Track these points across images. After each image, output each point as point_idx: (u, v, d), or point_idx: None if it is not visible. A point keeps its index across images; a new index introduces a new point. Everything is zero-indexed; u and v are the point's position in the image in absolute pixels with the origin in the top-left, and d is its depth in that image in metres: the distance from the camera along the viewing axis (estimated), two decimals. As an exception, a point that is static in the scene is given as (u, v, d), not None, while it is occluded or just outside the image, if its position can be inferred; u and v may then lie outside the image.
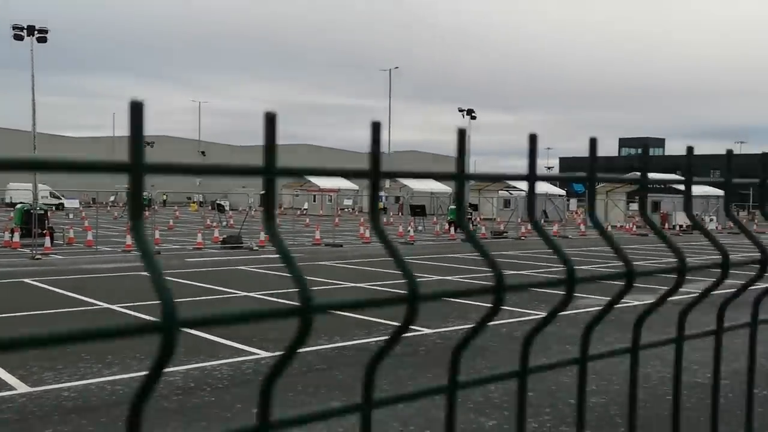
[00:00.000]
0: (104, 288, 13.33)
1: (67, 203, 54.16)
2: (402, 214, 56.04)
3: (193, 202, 64.08)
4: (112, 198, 74.13)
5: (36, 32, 24.60)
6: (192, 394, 6.60)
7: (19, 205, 24.43)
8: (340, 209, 58.86)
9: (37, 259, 18.92)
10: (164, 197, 72.77)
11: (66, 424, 5.77)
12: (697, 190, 41.73)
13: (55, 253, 20.36)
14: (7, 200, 57.58)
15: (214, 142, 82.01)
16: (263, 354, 8.10)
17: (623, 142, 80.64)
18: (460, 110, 40.51)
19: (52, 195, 58.59)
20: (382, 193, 36.80)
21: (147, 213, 50.95)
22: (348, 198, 65.25)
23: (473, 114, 41.36)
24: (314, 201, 61.17)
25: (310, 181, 66.63)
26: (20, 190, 54.69)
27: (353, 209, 64.59)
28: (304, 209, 59.28)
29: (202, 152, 73.91)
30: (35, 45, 24.77)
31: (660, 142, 79.83)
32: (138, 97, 0.66)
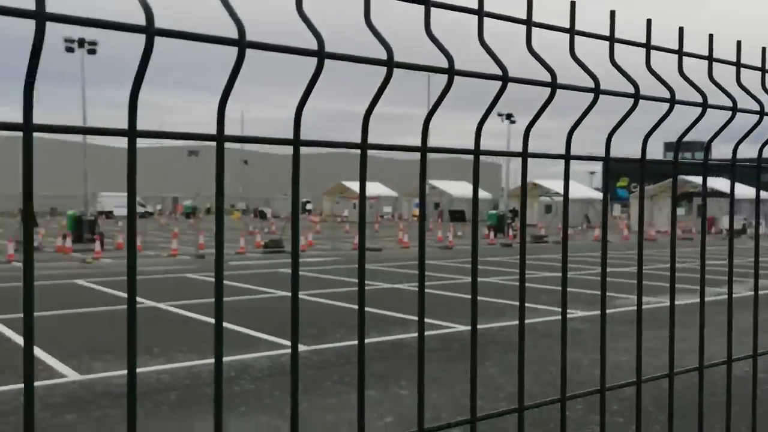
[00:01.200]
0: (151, 288, 13.82)
1: (116, 211, 55.86)
2: (441, 220, 56.09)
3: (236, 210, 65.19)
4: (159, 206, 75.96)
5: (86, 44, 25.61)
6: (233, 383, 6.89)
7: (70, 212, 25.35)
8: (380, 216, 59.17)
9: (89, 262, 19.65)
10: (208, 206, 74.28)
11: (114, 407, 6.10)
12: (747, 193, 40.77)
13: (105, 258, 21.08)
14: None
15: (257, 151, 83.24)
16: (301, 348, 8.36)
17: (668, 147, 79.25)
18: (500, 114, 40.44)
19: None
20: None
21: (192, 221, 52.06)
22: (387, 205, 65.60)
23: (512, 118, 41.24)
24: (354, 208, 61.57)
25: (350, 189, 67.19)
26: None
27: (392, 215, 64.88)
28: (345, 216, 59.74)
29: (245, 161, 75.18)
30: (85, 57, 25.78)
31: (700, 146, 78.30)
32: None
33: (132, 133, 1.02)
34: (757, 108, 1.90)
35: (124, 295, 12.85)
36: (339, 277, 16.10)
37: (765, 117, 1.93)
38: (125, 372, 6.44)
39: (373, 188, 63.68)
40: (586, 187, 55.57)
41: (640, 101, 1.59)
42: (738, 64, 1.82)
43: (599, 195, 51.88)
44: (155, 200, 74.87)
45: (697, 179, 39.20)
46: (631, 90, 1.58)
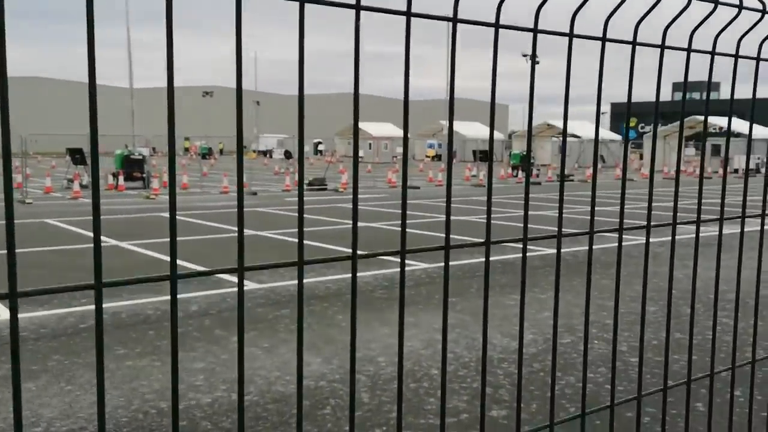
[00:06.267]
0: (220, 219, 15.08)
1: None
2: (455, 161, 57.10)
3: (252, 151, 66.08)
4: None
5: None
6: (388, 288, 8.23)
7: (118, 151, 26.40)
8: (394, 157, 60.12)
9: (152, 198, 20.91)
10: (221, 146, 75.18)
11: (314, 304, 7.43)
12: (760, 133, 41.75)
13: (162, 195, 22.30)
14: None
15: (269, 92, 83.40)
16: (421, 264, 9.69)
17: (676, 87, 79.47)
18: (524, 55, 40.98)
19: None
20: (434, 141, 38.68)
21: (212, 161, 52.90)
22: (400, 146, 66.50)
23: (537, 59, 41.76)
24: (369, 149, 62.49)
25: (362, 130, 67.86)
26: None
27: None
28: (361, 156, 60.70)
29: (257, 102, 75.53)
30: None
31: (715, 86, 78.57)
32: None
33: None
34: None
35: (214, 223, 14.22)
36: (398, 211, 17.40)
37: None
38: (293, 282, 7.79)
39: (385, 129, 64.30)
40: (601, 128, 56.48)
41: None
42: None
43: (613, 135, 52.76)
44: (165, 140, 75.57)
45: (712, 119, 40.12)
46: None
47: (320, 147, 70.79)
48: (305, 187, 25.51)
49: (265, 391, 4.98)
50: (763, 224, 2.23)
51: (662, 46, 1.95)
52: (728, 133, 1.78)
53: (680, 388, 4.90)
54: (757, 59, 2.20)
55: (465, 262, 10.00)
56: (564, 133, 1.75)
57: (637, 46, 1.87)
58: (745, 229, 2.33)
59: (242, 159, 1.28)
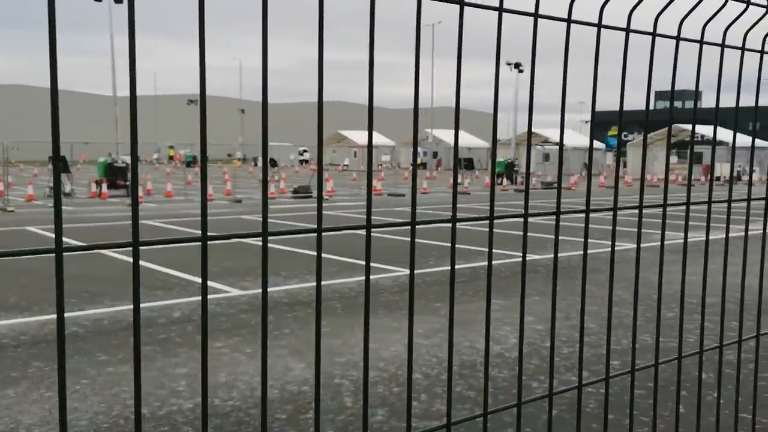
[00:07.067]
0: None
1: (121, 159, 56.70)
2: (440, 169, 57.31)
3: (237, 159, 65.91)
4: (155, 155, 76.36)
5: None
6: (373, 295, 8.22)
7: (101, 159, 26.20)
8: (380, 165, 60.20)
9: (135, 206, 20.79)
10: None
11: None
12: (741, 141, 42.27)
13: (147, 202, 22.16)
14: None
15: (254, 100, 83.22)
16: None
17: (659, 95, 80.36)
18: (508, 64, 41.29)
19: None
20: (420, 149, 38.93)
21: (196, 169, 52.68)
22: (385, 154, 66.60)
23: (521, 68, 42.15)
24: (354, 157, 62.54)
25: (347, 138, 67.94)
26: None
27: (391, 164, 66.03)
28: (345, 165, 60.73)
29: (242, 110, 75.48)
30: (112, 6, 26.32)
31: (697, 95, 79.54)
32: None
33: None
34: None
35: (197, 231, 14.16)
36: (384, 218, 17.42)
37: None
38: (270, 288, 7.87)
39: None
40: (583, 136, 56.93)
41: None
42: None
43: (598, 144, 53.17)
44: (151, 148, 75.25)
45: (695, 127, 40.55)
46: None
47: (306, 156, 70.72)
48: (290, 195, 25.54)
49: (247, 396, 4.95)
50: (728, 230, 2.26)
51: (654, 34, 1.97)
52: (713, 144, 1.81)
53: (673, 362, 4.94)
54: (762, 52, 2.24)
55: (449, 268, 10.04)
56: (560, 149, 1.77)
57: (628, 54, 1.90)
58: (731, 235, 2.41)
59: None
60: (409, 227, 1.49)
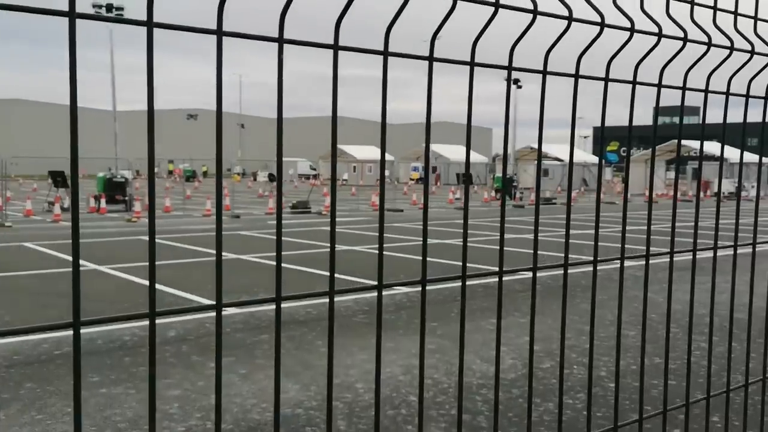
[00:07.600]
0: (201, 242, 14.99)
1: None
2: (439, 184, 57.35)
3: (236, 174, 65.94)
4: (155, 169, 76.20)
5: (114, 10, 26.33)
6: (364, 313, 8.17)
7: (100, 174, 26.20)
8: (377, 179, 60.21)
9: (133, 221, 20.75)
10: (205, 169, 74.91)
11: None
12: (736, 157, 42.31)
13: (144, 218, 22.13)
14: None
15: (253, 115, 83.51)
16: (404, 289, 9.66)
17: (659, 111, 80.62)
18: (506, 79, 41.39)
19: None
20: (418, 164, 38.93)
21: (196, 184, 52.78)
22: (386, 169, 66.51)
23: (519, 83, 42.27)
24: (354, 171, 62.58)
25: (345, 152, 68.03)
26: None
27: (390, 179, 66.02)
28: (344, 179, 60.77)
29: (242, 125, 75.62)
30: (111, 24, 26.40)
31: (695, 111, 79.79)
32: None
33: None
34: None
35: (195, 247, 14.10)
36: (375, 233, 17.38)
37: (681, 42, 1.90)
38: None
39: (369, 152, 64.53)
40: (581, 151, 57.01)
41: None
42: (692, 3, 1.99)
43: (595, 159, 53.23)
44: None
45: (692, 143, 40.68)
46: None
47: (310, 171, 70.72)
48: (288, 210, 25.53)
49: (240, 419, 4.91)
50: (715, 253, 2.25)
51: (634, 82, 2.05)
52: (721, 164, 1.81)
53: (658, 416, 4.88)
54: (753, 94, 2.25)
55: (445, 286, 9.99)
56: (570, 167, 1.76)
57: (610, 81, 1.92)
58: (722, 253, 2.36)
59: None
60: (420, 241, 1.48)
